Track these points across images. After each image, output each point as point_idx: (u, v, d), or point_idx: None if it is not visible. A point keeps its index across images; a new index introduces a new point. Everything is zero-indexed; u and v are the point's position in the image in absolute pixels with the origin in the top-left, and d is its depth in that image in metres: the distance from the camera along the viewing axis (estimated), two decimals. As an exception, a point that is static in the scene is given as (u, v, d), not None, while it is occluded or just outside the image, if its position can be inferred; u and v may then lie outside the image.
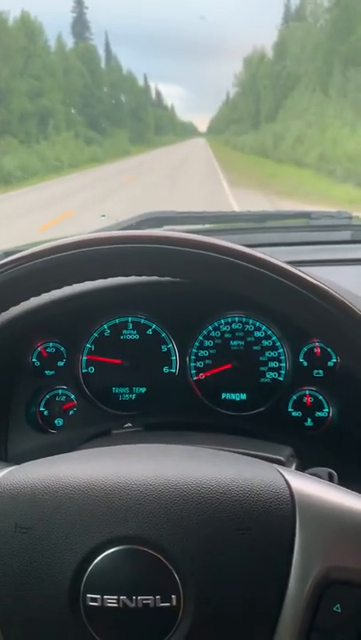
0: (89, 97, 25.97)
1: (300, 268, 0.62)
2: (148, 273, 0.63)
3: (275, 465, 0.60)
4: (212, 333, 1.03)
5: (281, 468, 0.59)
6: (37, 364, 1.04)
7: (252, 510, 0.55)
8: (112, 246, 0.62)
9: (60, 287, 0.64)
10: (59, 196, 12.41)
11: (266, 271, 0.60)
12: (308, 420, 1.01)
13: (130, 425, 0.95)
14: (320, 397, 1.00)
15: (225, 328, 1.02)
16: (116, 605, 0.53)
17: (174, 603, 0.53)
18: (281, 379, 1.01)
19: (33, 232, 6.79)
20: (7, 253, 1.36)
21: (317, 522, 0.55)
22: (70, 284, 0.64)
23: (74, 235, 0.66)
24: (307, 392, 1.01)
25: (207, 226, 1.63)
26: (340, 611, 0.53)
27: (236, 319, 1.02)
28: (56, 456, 0.64)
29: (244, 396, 1.02)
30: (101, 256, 0.62)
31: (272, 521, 0.54)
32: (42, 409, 1.05)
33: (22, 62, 21.19)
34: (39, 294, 0.65)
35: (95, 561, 0.54)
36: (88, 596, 0.54)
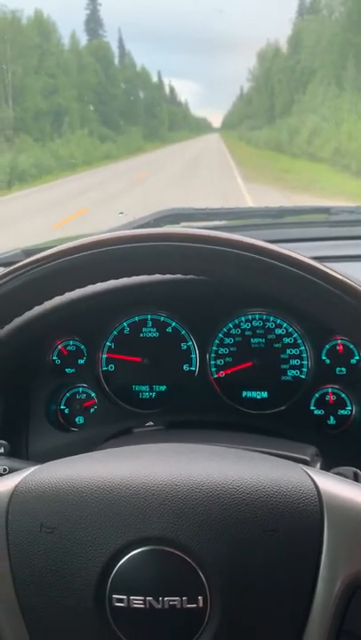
0: (103, 94, 26.00)
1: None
2: (173, 271, 0.62)
3: (300, 465, 0.59)
4: (233, 331, 1.02)
5: (307, 468, 0.59)
6: (58, 362, 1.04)
7: (279, 511, 0.54)
8: (135, 245, 0.61)
9: (83, 286, 0.64)
10: (73, 193, 12.45)
11: (291, 267, 0.60)
12: (331, 418, 0.99)
13: (151, 423, 0.95)
14: (343, 395, 0.99)
15: (245, 325, 1.01)
16: (142, 606, 0.53)
17: (201, 604, 0.53)
18: (303, 376, 1.00)
19: (49, 229, 6.82)
20: (26, 251, 1.36)
21: (346, 523, 0.54)
22: (94, 284, 0.64)
23: (90, 232, 0.66)
24: (329, 390, 0.99)
25: (224, 222, 1.61)
26: None
27: (257, 316, 1.01)
28: (80, 455, 0.63)
29: (265, 395, 1.01)
30: (125, 255, 0.61)
31: (300, 522, 0.54)
32: (62, 407, 1.05)
33: (36, 60, 21.26)
34: (62, 294, 0.65)
35: (121, 561, 0.54)
36: (114, 596, 0.53)
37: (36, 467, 0.61)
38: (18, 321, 0.86)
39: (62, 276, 0.63)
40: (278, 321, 1.00)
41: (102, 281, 0.64)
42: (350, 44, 18.95)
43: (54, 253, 0.63)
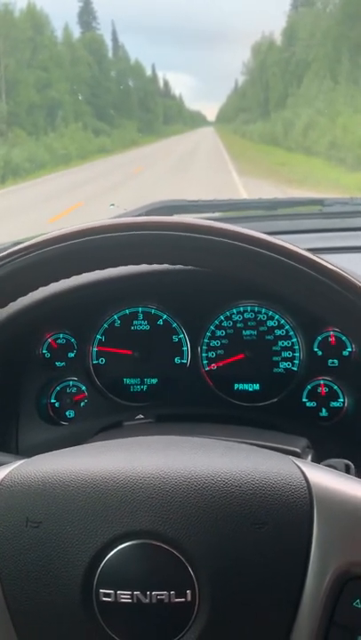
0: (96, 87, 25.87)
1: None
2: (160, 261, 0.61)
3: (290, 457, 0.59)
4: (224, 323, 1.01)
5: (297, 460, 0.58)
6: (48, 355, 1.03)
7: (269, 504, 0.53)
8: (122, 233, 0.60)
9: (68, 277, 0.63)
10: (68, 187, 12.41)
11: (285, 259, 0.59)
12: (323, 410, 0.99)
13: (141, 416, 0.94)
14: (335, 387, 0.98)
15: (237, 317, 1.01)
16: (129, 601, 0.52)
17: (189, 598, 0.52)
18: (295, 368, 0.99)
19: (43, 224, 6.80)
20: (17, 244, 1.35)
21: (336, 515, 0.53)
22: (79, 274, 0.63)
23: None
24: (321, 382, 0.99)
25: (218, 214, 1.60)
26: (360, 606, 0.52)
27: (249, 308, 1.00)
28: (67, 449, 0.63)
29: (257, 387, 1.00)
30: (111, 244, 0.60)
31: (289, 515, 0.53)
32: (53, 400, 1.04)
33: (29, 53, 21.15)
34: (46, 284, 0.63)
35: (108, 555, 0.53)
36: (101, 591, 0.53)
37: (22, 460, 0.60)
38: (4, 313, 0.85)
39: (45, 267, 0.62)
40: (270, 313, 1.00)
41: (87, 271, 0.63)
42: (345, 36, 18.92)
43: (36, 243, 0.62)
